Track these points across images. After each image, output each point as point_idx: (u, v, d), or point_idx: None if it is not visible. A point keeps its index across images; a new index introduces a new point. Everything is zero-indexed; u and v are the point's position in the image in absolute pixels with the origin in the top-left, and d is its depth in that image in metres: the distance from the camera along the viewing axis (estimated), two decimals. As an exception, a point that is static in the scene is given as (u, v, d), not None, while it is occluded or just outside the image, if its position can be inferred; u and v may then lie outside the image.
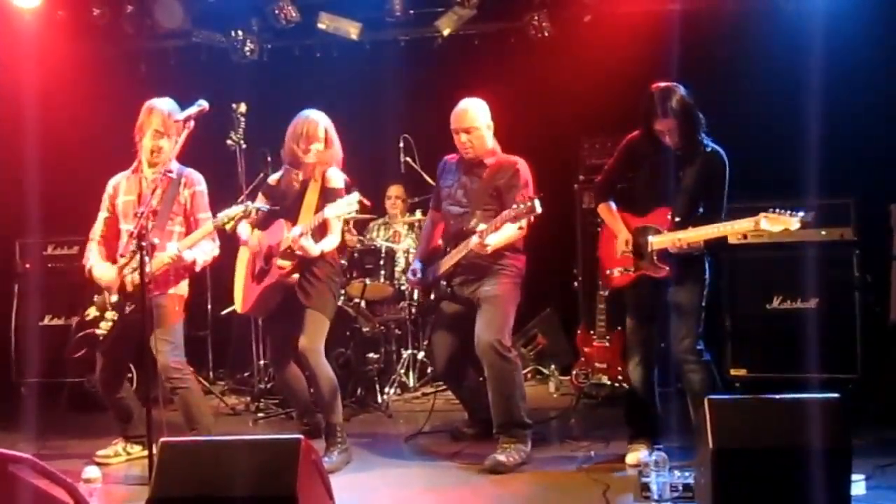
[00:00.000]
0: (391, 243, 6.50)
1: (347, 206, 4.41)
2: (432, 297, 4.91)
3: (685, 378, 4.41)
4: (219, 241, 4.74)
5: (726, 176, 4.36)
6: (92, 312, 4.67)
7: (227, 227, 4.46)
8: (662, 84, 4.32)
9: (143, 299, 4.00)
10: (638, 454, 4.36)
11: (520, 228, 4.50)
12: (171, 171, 4.50)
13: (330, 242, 4.65)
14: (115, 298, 4.61)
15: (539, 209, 4.22)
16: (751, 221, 4.11)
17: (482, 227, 4.45)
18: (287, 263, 4.60)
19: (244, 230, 4.81)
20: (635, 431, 4.54)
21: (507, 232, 4.46)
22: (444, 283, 4.80)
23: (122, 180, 4.79)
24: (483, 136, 4.69)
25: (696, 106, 4.30)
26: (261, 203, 4.63)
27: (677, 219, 4.31)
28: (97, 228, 4.83)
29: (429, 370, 6.58)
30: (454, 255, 4.70)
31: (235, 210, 4.43)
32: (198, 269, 4.72)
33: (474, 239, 4.45)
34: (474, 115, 4.67)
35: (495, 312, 4.57)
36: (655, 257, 4.31)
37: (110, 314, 4.60)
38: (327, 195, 4.59)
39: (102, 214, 4.83)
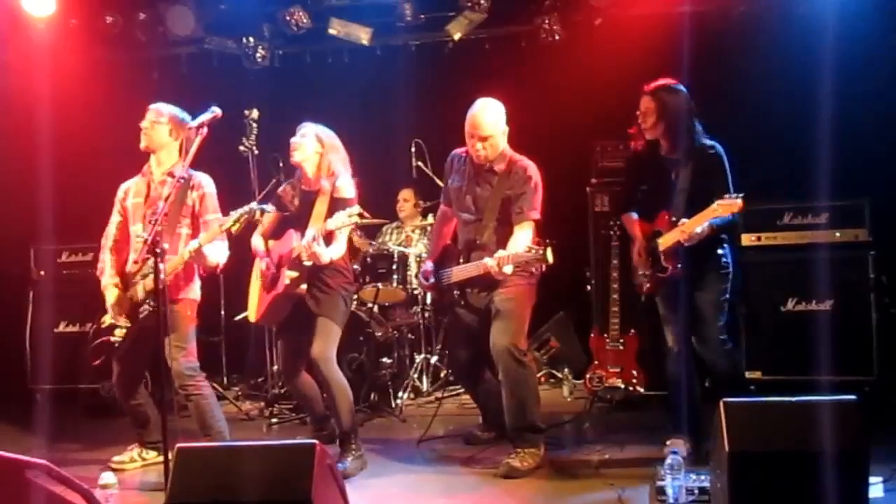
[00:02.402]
0: (403, 247, 6.50)
1: (347, 217, 4.44)
2: (445, 300, 4.90)
3: (711, 369, 4.55)
4: (227, 242, 4.72)
5: (724, 169, 4.48)
6: (107, 320, 4.70)
7: (234, 229, 4.45)
8: None
9: (158, 306, 4.00)
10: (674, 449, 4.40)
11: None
12: (182, 178, 4.50)
13: (336, 251, 4.65)
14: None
15: (550, 260, 4.25)
16: (709, 210, 4.26)
17: (501, 253, 4.36)
18: (295, 274, 4.62)
19: (259, 244, 4.84)
20: (674, 426, 4.57)
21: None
22: (458, 292, 4.76)
23: (132, 184, 4.84)
24: (497, 142, 4.64)
25: (684, 104, 4.49)
26: (267, 206, 4.66)
27: (673, 219, 4.45)
28: (110, 233, 4.85)
29: (442, 374, 6.58)
30: (468, 269, 4.63)
31: (240, 211, 4.43)
32: (219, 270, 4.73)
33: (490, 263, 4.36)
34: (490, 123, 4.59)
35: (510, 317, 4.55)
36: (662, 258, 4.49)
37: (124, 321, 4.62)
38: (336, 205, 4.60)
39: (115, 218, 4.86)
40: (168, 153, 4.74)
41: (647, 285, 4.62)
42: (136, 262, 4.66)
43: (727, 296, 4.55)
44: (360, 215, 4.47)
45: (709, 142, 4.52)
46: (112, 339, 4.62)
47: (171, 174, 4.69)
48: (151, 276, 4.44)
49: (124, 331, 4.61)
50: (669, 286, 4.54)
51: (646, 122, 4.53)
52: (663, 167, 4.54)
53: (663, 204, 4.53)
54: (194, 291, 4.75)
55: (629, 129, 4.70)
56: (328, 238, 4.61)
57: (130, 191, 4.82)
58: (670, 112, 4.46)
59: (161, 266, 4.03)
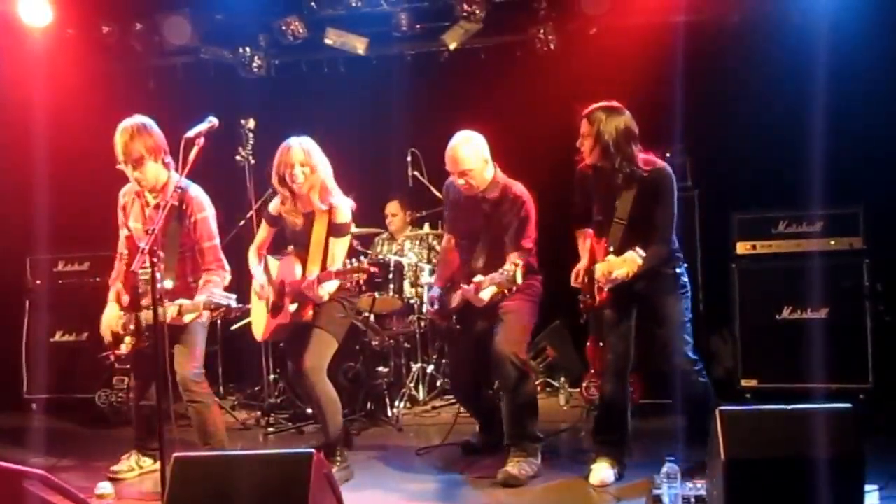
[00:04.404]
0: (399, 257, 6.51)
1: (354, 275, 4.37)
2: (444, 326, 4.94)
3: (682, 387, 4.40)
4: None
5: (670, 194, 4.26)
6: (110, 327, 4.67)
7: (214, 314, 4.46)
8: None
9: (154, 316, 3.98)
10: (601, 474, 4.35)
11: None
12: (178, 187, 4.34)
13: (333, 285, 4.56)
14: (132, 327, 4.59)
15: (519, 280, 4.26)
16: (619, 259, 4.16)
17: (479, 279, 4.46)
18: (296, 306, 4.63)
19: (254, 263, 4.83)
20: (601, 448, 4.47)
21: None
22: (455, 319, 4.80)
23: (129, 199, 4.72)
24: (479, 174, 4.60)
25: (623, 126, 4.21)
26: (244, 307, 4.62)
27: (611, 249, 4.28)
28: (121, 245, 4.79)
29: (438, 383, 6.59)
30: (456, 298, 4.69)
31: (221, 301, 4.30)
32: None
33: (466, 288, 4.50)
34: (466, 158, 4.55)
35: (513, 326, 4.57)
36: (596, 286, 4.35)
37: (129, 339, 4.59)
38: (334, 230, 4.59)
39: (123, 232, 4.77)
40: (155, 175, 4.54)
41: (583, 305, 4.48)
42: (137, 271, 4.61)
43: (689, 315, 4.38)
44: (367, 271, 4.38)
45: (658, 163, 4.30)
46: (118, 351, 4.62)
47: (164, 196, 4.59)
48: (146, 314, 4.44)
49: (129, 346, 4.59)
50: (618, 303, 4.38)
51: (583, 145, 4.32)
52: (610, 189, 4.33)
53: (606, 229, 4.35)
54: None
55: (577, 156, 4.46)
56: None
57: (129, 209, 4.71)
58: (605, 135, 4.20)
59: (158, 275, 4.00)
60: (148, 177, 4.50)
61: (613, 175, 4.28)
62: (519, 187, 4.69)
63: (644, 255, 4.13)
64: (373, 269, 4.49)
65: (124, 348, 4.58)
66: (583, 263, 4.50)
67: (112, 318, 4.62)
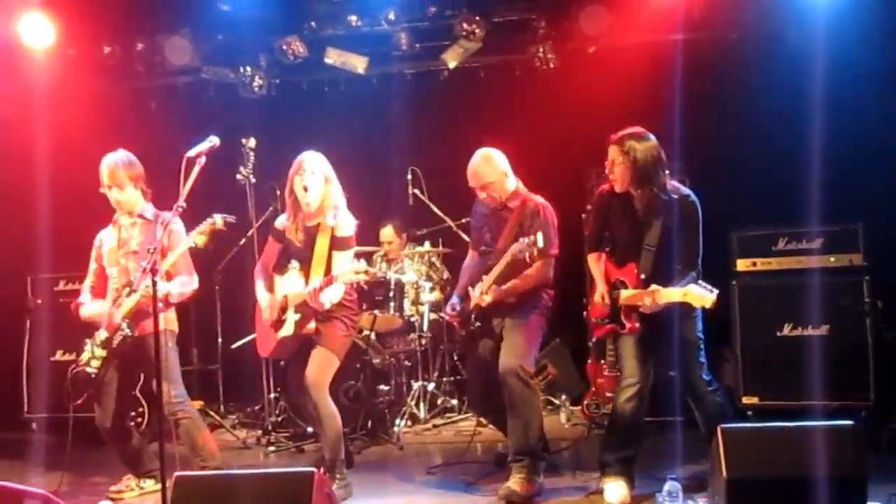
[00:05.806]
0: (399, 275, 6.52)
1: (354, 274, 4.54)
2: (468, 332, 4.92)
3: (699, 407, 4.45)
4: (196, 277, 4.79)
5: (697, 222, 4.29)
6: (84, 357, 4.73)
7: (200, 242, 4.50)
8: None
9: (155, 327, 3.97)
10: (618, 492, 4.30)
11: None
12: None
13: (335, 294, 4.65)
14: (103, 336, 4.66)
15: (541, 243, 4.31)
16: (678, 293, 4.10)
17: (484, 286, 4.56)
18: (298, 316, 4.66)
19: (260, 288, 4.86)
20: (615, 466, 4.41)
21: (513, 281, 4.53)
22: (478, 323, 4.79)
23: (105, 234, 4.96)
24: (501, 185, 4.76)
25: (654, 153, 4.24)
26: (227, 215, 4.62)
27: (642, 276, 4.29)
28: (89, 279, 4.97)
29: (439, 402, 6.59)
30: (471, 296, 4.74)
31: (203, 226, 4.49)
32: (174, 300, 4.71)
33: (474, 294, 4.60)
34: (485, 172, 4.73)
35: (519, 339, 4.59)
36: (622, 313, 4.34)
37: (99, 352, 4.65)
38: (336, 243, 4.66)
39: (92, 266, 4.99)
40: (134, 199, 4.85)
41: (602, 331, 4.49)
42: (126, 286, 4.67)
43: (703, 335, 4.41)
44: (367, 272, 4.55)
45: (684, 190, 4.34)
46: (88, 369, 4.65)
47: (140, 216, 4.84)
48: (126, 303, 4.60)
49: (99, 361, 4.64)
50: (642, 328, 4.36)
51: (613, 172, 4.32)
52: (635, 215, 4.34)
53: (633, 254, 4.34)
54: (172, 324, 4.82)
55: (603, 185, 4.52)
56: (329, 279, 4.63)
57: (104, 240, 4.96)
58: (639, 162, 4.22)
59: (158, 287, 4.03)
60: (127, 199, 4.82)
61: (642, 202, 4.29)
62: (538, 199, 4.80)
63: (716, 291, 4.08)
64: (372, 270, 4.53)
65: (95, 365, 4.62)
66: (603, 290, 4.48)
67: (100, 305, 4.80)
